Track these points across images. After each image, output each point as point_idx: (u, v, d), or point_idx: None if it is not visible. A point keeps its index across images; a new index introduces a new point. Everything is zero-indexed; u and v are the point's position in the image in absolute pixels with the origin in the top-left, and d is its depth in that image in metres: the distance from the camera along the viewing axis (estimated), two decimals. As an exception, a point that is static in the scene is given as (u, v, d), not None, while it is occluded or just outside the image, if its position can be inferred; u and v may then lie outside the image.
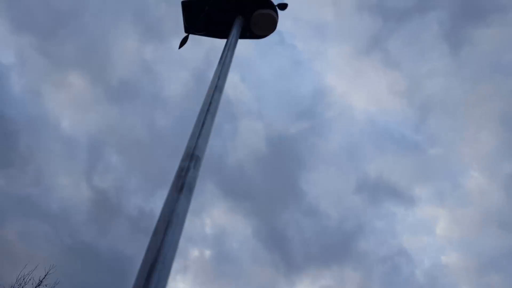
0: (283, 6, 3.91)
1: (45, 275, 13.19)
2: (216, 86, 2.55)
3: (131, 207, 13.75)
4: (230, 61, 2.97)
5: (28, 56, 13.82)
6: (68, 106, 14.95)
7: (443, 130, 14.60)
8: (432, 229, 15.05)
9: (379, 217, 14.34)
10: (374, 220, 14.28)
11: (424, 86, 14.56)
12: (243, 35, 3.82)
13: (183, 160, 1.93)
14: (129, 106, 14.60)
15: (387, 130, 15.46)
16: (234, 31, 3.47)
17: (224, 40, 4.18)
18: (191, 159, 1.92)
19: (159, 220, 1.62)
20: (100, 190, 13.99)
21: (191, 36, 3.89)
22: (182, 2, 3.88)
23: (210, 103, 2.38)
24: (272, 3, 3.80)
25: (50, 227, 13.12)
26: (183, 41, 3.88)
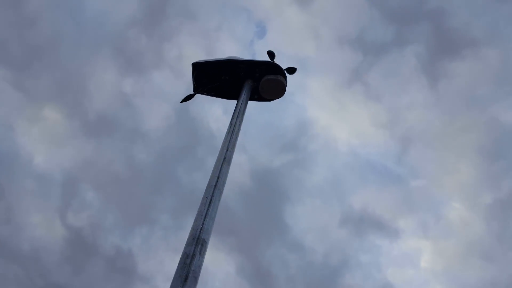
0: (292, 71, 3.98)
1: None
2: (224, 158, 2.52)
3: (108, 246, 13.24)
4: (239, 130, 2.96)
5: (1, 90, 13.77)
6: (42, 141, 14.72)
7: (424, 162, 14.63)
8: (416, 261, 14.71)
9: (364, 251, 14.01)
10: (359, 254, 13.95)
11: (404, 118, 14.72)
12: (252, 97, 3.85)
13: (188, 244, 1.86)
14: (107, 141, 14.41)
15: (370, 162, 15.47)
16: (244, 97, 3.49)
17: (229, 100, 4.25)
18: (197, 244, 1.84)
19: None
20: (74, 228, 13.54)
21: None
22: (193, 63, 3.95)
23: (218, 177, 2.33)
24: (281, 69, 3.85)
25: (20, 268, 12.59)
26: (188, 98, 3.92)
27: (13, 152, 13.82)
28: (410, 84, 14.24)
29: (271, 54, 3.90)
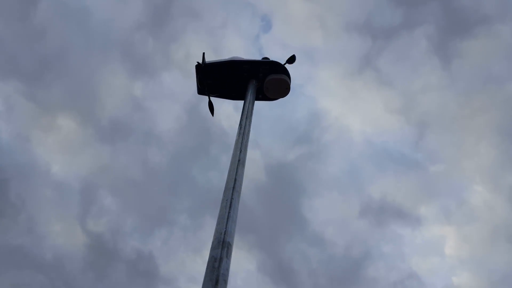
0: (292, 60, 3.96)
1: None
2: (239, 160, 2.55)
3: (129, 250, 13.27)
4: (249, 131, 2.99)
5: (15, 102, 13.76)
6: (58, 150, 14.71)
7: (442, 146, 14.51)
8: (441, 249, 14.62)
9: (386, 241, 13.93)
10: (381, 244, 13.86)
11: (419, 102, 14.58)
12: (256, 97, 3.87)
13: (214, 248, 1.88)
14: (121, 145, 14.42)
15: (386, 149, 15.31)
16: (250, 97, 3.52)
17: (235, 100, 4.27)
18: (223, 247, 1.87)
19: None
20: (95, 234, 13.56)
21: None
22: (196, 65, 3.95)
23: (235, 179, 2.36)
24: (284, 68, 3.88)
25: (44, 277, 12.58)
26: (211, 107, 3.94)
27: (30, 162, 13.81)
28: (422, 67, 14.07)
29: (292, 58, 3.87)
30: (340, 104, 15.63)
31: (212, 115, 3.97)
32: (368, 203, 13.97)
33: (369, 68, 14.42)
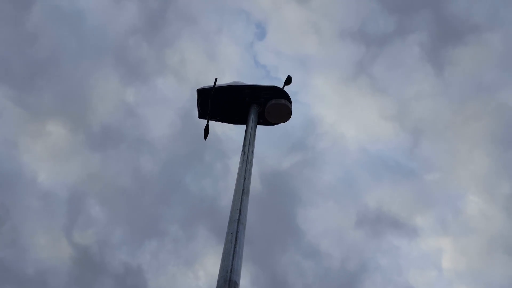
0: (288, 81, 3.90)
1: None
2: (243, 189, 2.43)
3: (116, 264, 12.74)
4: (252, 158, 2.89)
5: (3, 107, 13.45)
6: (47, 157, 14.30)
7: (437, 154, 14.36)
8: (438, 261, 14.22)
9: (382, 253, 13.54)
10: (377, 256, 13.48)
11: (413, 109, 14.51)
12: (258, 122, 3.81)
13: (220, 287, 1.75)
14: (112, 152, 14.06)
15: (382, 157, 15.09)
16: (252, 122, 3.44)
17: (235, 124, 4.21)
18: (229, 287, 1.74)
19: None
20: (81, 247, 13.04)
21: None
22: (198, 90, 3.91)
23: (240, 210, 2.24)
24: (286, 93, 3.83)
25: None
26: (206, 131, 3.85)
27: (17, 170, 13.37)
28: (415, 73, 14.08)
29: (288, 79, 3.83)
30: (335, 111, 15.52)
31: (205, 139, 3.89)
32: (364, 213, 13.69)
33: (364, 75, 14.43)
